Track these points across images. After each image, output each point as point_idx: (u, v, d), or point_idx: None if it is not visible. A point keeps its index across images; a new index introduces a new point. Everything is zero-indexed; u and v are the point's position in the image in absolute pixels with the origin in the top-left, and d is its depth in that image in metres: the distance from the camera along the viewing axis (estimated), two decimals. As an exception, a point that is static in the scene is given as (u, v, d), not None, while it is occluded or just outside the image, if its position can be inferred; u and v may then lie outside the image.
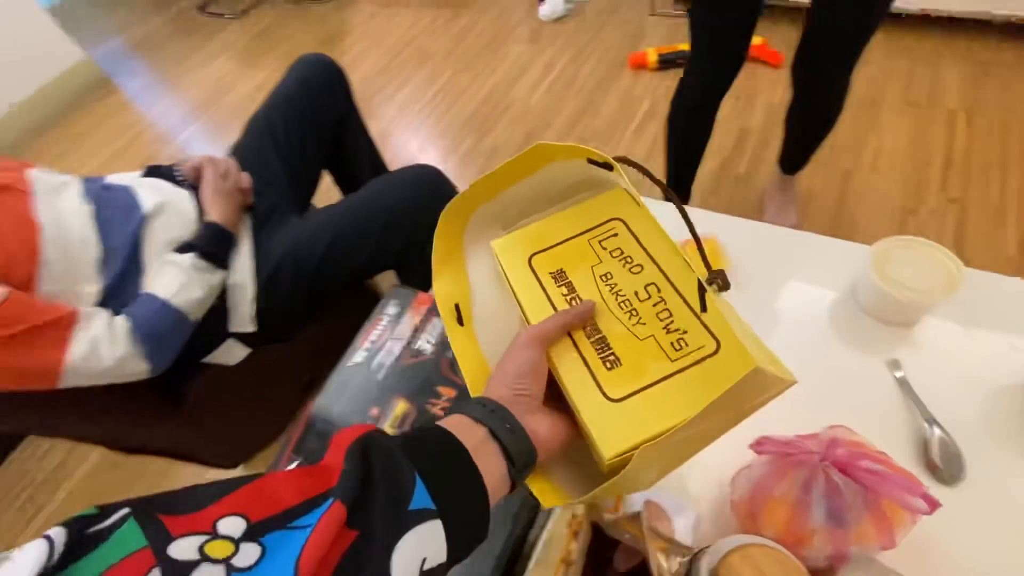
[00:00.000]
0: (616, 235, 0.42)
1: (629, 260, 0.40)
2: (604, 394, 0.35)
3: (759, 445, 0.44)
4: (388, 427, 0.58)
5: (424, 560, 0.25)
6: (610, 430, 0.34)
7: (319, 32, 2.48)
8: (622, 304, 0.38)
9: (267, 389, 1.04)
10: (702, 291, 0.35)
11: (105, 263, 0.75)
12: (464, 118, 1.90)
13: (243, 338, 0.88)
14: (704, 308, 0.36)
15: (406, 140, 1.89)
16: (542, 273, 0.41)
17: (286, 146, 1.02)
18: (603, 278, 0.40)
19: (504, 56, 2.09)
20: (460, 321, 0.43)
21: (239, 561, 0.20)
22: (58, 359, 0.65)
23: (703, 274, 0.34)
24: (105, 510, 0.20)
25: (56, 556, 0.18)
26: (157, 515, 0.21)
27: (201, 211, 0.85)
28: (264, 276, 0.87)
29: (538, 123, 1.81)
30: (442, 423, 0.31)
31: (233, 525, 0.21)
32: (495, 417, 0.32)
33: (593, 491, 0.32)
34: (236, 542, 0.21)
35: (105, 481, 1.25)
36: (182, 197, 0.85)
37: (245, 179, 0.89)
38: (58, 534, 0.18)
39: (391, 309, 0.69)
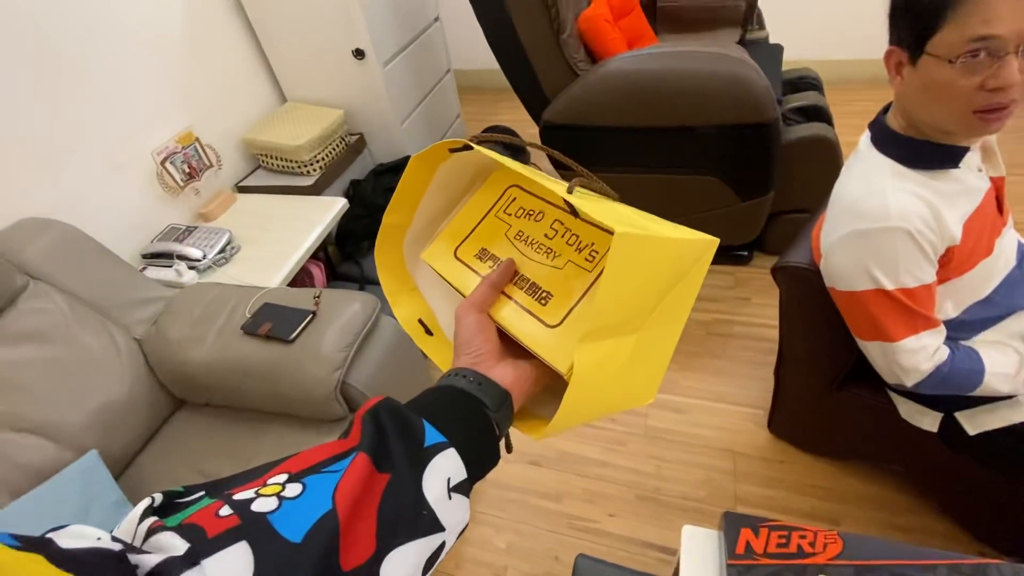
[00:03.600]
0: (515, 199, 0.46)
1: (532, 213, 0.45)
2: (545, 324, 0.39)
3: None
4: None
5: (449, 479, 0.31)
6: (558, 348, 0.38)
7: None
8: (538, 249, 0.42)
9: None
10: (568, 203, 0.38)
11: (975, 305, 0.82)
12: None
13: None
14: (576, 214, 0.42)
15: None
16: (468, 259, 0.45)
17: None
18: (517, 237, 0.44)
19: None
20: (429, 332, 0.48)
21: (287, 493, 0.27)
22: (899, 336, 0.79)
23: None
24: (189, 490, 0.28)
25: (156, 505, 0.27)
26: (223, 491, 0.27)
27: None
28: None
29: None
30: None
31: (279, 478, 0.28)
32: (463, 380, 0.37)
33: (560, 408, 0.34)
34: (283, 484, 0.27)
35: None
36: None
37: None
38: (158, 496, 0.27)
39: None
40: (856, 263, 0.79)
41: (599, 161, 1.73)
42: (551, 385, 0.41)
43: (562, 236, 0.42)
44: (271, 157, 1.78)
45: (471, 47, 2.68)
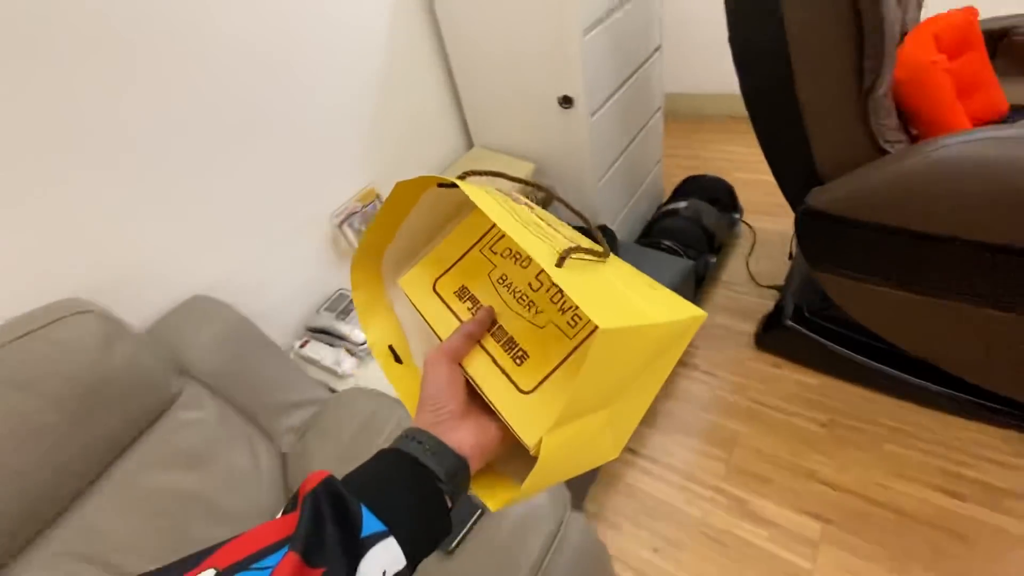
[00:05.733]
0: (503, 237, 0.44)
1: (518, 257, 0.43)
2: (518, 388, 0.37)
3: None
4: None
5: (384, 572, 0.29)
6: (528, 419, 0.36)
7: None
8: (520, 300, 0.41)
9: None
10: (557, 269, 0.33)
11: None
12: None
13: None
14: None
15: None
16: (447, 295, 0.43)
17: None
18: (500, 281, 0.42)
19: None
20: (399, 360, 0.45)
21: None
22: None
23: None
24: None
25: None
26: None
27: None
28: None
29: None
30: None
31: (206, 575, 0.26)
32: (416, 445, 0.34)
33: (524, 485, 0.33)
34: None
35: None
36: None
37: None
38: None
39: None
40: None
41: (875, 270, 1.19)
42: (517, 443, 0.37)
43: (546, 291, 0.40)
44: (449, 213, 1.57)
45: (669, 67, 2.21)
